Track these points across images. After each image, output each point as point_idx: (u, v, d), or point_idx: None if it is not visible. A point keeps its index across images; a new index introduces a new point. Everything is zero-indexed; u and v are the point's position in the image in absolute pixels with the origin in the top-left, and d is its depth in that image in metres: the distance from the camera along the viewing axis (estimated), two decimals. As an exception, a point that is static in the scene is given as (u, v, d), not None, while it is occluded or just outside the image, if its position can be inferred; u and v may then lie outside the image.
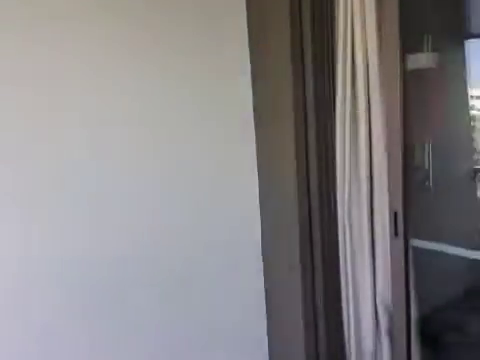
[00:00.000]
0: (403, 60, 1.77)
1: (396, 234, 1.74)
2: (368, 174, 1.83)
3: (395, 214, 1.73)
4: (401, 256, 1.74)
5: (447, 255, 2.24)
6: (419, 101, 2.26)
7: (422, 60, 2.30)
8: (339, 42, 1.78)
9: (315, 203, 1.95)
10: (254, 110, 2.04)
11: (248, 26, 1.99)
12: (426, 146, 2.51)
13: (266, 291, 2.12)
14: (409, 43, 2.32)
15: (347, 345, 1.98)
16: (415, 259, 1.83)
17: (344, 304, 1.96)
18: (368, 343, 1.94)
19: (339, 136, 1.85)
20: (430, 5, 2.47)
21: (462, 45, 3.04)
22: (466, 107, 3.12)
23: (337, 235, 1.92)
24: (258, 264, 2.12)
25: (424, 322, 1.94)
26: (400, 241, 1.73)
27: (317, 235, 1.97)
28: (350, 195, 1.86)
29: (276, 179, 2.02)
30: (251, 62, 2.01)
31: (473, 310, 2.73)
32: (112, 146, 1.70)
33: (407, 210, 1.73)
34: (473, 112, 3.36)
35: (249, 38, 2.00)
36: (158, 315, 1.84)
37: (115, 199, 1.71)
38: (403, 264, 1.74)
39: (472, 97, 3.14)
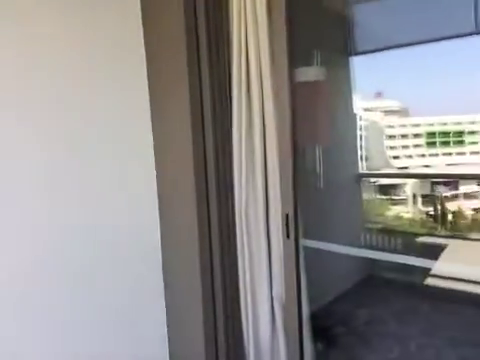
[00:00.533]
0: (292, 73, 1.89)
1: (288, 236, 1.84)
2: (264, 180, 1.92)
3: (287, 217, 1.83)
4: (292, 256, 1.85)
5: (336, 253, 2.45)
6: (309, 110, 2.45)
7: (311, 73, 2.50)
8: (234, 54, 1.85)
9: (214, 209, 1.99)
10: (151, 115, 2.03)
11: (145, 45, 1.98)
12: (317, 151, 2.71)
13: (165, 293, 2.12)
14: (300, 57, 2.50)
15: (246, 344, 2.05)
16: (307, 258, 1.96)
17: (243, 305, 2.02)
18: (265, 341, 2.02)
19: (236, 144, 1.91)
20: (319, 24, 2.69)
21: (348, 61, 3.37)
22: (353, 117, 3.46)
23: (236, 240, 1.98)
24: (158, 270, 2.11)
25: (315, 317, 2.08)
26: (291, 242, 1.83)
27: (216, 241, 2.00)
28: (247, 201, 1.94)
29: (175, 190, 2.02)
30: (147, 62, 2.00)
31: (359, 304, 3.01)
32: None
33: (297, 212, 1.84)
34: (359, 122, 3.74)
35: (147, 61, 1.99)
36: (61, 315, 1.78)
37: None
38: (294, 264, 1.84)
39: (359, 108, 3.49)
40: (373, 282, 3.31)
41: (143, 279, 2.07)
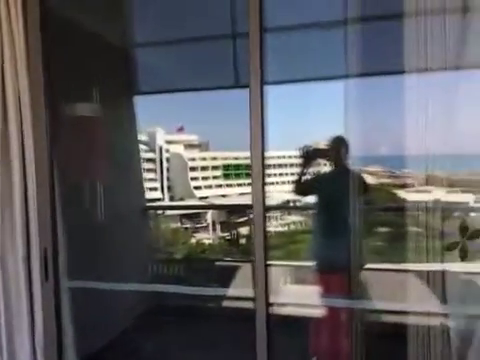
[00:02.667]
0: (59, 106, 1.86)
1: (46, 278, 1.75)
2: (24, 218, 1.79)
3: (45, 256, 1.75)
4: (51, 300, 1.76)
5: (115, 290, 2.42)
6: (85, 145, 2.43)
7: (87, 109, 2.51)
8: None
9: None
10: None
11: None
12: (98, 186, 2.69)
13: None
14: (77, 93, 2.49)
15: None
16: (80, 298, 1.89)
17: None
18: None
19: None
20: (101, 63, 2.72)
21: (132, 99, 3.51)
22: (137, 152, 3.58)
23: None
24: None
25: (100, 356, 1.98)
26: (50, 285, 1.75)
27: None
28: (3, 239, 1.77)
29: None
30: None
31: (146, 335, 3.03)
32: None
33: (57, 250, 1.77)
34: (143, 155, 3.86)
35: None
36: None
37: None
38: (54, 308, 1.76)
39: (141, 143, 3.63)
40: (161, 311, 3.38)
41: None
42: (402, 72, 1.68)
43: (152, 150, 10.94)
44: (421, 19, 1.66)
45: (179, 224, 10.44)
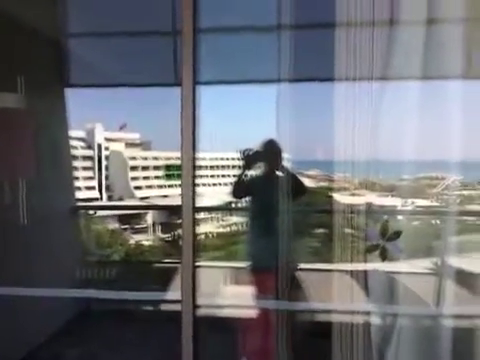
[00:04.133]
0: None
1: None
2: None
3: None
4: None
5: (36, 296, 2.26)
6: (6, 140, 2.25)
7: (9, 99, 2.32)
8: None
9: None
10: None
11: None
12: (20, 184, 2.50)
13: None
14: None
15: None
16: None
17: None
18: None
19: None
20: (28, 52, 2.54)
21: (62, 91, 3.32)
22: (67, 148, 3.38)
23: None
24: None
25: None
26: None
27: None
28: None
29: None
30: None
31: (71, 342, 2.89)
32: None
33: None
34: (74, 152, 3.65)
35: None
36: None
37: None
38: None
39: (72, 138, 3.43)
40: (92, 316, 3.24)
41: None
42: (333, 80, 1.74)
43: (90, 147, 10.50)
44: (351, 30, 1.73)
45: (117, 225, 10.11)
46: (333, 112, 1.79)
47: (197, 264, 1.63)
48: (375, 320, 1.93)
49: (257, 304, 2.40)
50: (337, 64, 1.72)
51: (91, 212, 4.63)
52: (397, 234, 1.85)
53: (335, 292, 2.19)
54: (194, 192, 1.60)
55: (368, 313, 1.98)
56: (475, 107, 1.85)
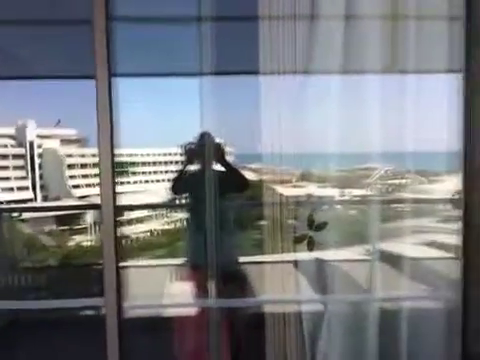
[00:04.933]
0: None
1: None
2: None
3: None
4: None
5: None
6: None
7: None
8: None
9: None
10: None
11: None
12: None
13: None
14: None
15: None
16: None
17: None
18: None
19: None
20: None
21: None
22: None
23: None
24: None
25: None
26: None
27: None
28: None
29: None
30: None
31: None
32: None
33: None
34: (9, 151, 3.43)
35: None
36: None
37: None
38: None
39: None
40: (19, 326, 3.04)
41: None
42: (257, 73, 1.74)
43: (22, 145, 9.85)
44: (274, 23, 1.73)
45: (55, 227, 9.64)
46: (260, 105, 1.79)
47: (141, 264, 1.57)
48: (307, 307, 1.97)
49: (190, 302, 2.38)
50: (262, 57, 1.72)
51: (16, 214, 4.34)
52: (325, 224, 1.90)
53: (277, 283, 2.21)
54: (114, 190, 1.53)
55: (300, 302, 2.02)
56: (400, 101, 1.92)
